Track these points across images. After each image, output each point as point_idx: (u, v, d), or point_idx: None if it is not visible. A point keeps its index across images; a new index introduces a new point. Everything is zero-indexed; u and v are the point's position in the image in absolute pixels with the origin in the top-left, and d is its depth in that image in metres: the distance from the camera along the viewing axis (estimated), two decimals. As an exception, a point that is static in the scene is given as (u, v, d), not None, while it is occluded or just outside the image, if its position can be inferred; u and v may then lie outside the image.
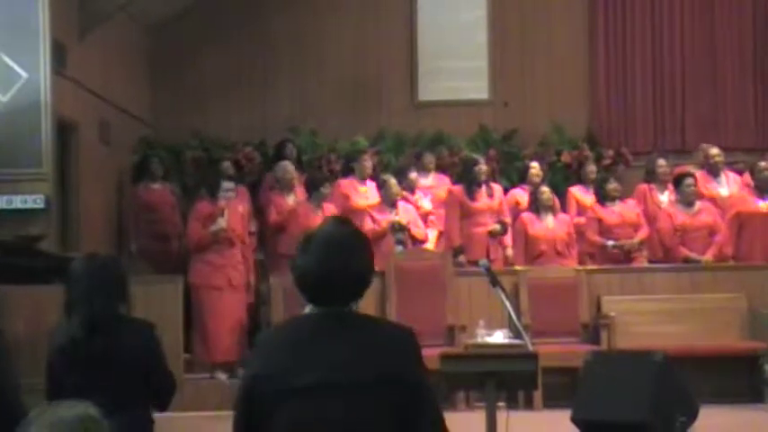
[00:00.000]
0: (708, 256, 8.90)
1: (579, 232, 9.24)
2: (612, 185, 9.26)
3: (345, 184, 9.64)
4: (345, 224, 2.63)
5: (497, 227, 9.15)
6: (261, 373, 2.52)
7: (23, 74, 8.24)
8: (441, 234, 9.35)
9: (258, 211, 9.59)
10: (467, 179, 9.26)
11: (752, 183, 9.33)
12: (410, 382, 2.49)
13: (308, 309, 2.57)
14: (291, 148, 10.10)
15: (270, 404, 2.48)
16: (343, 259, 2.53)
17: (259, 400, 2.50)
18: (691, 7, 11.48)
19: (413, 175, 9.71)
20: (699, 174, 9.43)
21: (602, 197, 9.21)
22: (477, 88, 11.48)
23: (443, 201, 9.46)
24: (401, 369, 2.49)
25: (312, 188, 9.05)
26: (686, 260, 8.89)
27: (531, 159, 10.32)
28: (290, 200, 9.23)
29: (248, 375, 2.57)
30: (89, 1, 9.40)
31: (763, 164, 9.26)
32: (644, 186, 9.80)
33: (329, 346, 2.48)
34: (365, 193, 9.49)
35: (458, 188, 9.31)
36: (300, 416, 2.46)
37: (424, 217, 9.40)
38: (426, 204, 9.54)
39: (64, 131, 9.04)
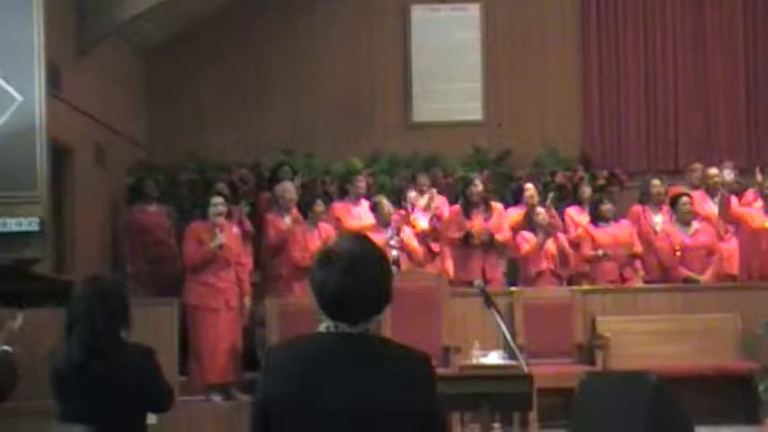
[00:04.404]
0: (707, 276, 8.92)
1: (574, 245, 9.28)
2: (606, 206, 9.32)
3: (339, 206, 9.66)
4: (364, 240, 2.59)
5: (485, 235, 9.05)
6: (280, 392, 2.49)
7: (18, 97, 8.22)
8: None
9: (257, 232, 9.58)
10: (463, 199, 9.29)
11: (758, 201, 9.33)
12: (426, 414, 2.51)
13: (323, 325, 2.54)
14: (287, 171, 10.12)
15: (289, 426, 2.46)
16: (365, 276, 2.50)
17: (278, 420, 2.48)
18: (682, 29, 11.56)
19: (412, 194, 9.75)
20: (694, 194, 9.47)
21: (596, 218, 9.27)
22: (471, 109, 11.51)
23: (443, 218, 9.53)
24: (418, 400, 2.50)
25: (305, 208, 9.06)
26: (686, 280, 8.89)
27: (526, 181, 10.34)
28: (287, 221, 9.23)
29: (265, 394, 2.52)
30: (85, 24, 9.43)
31: None
32: (638, 208, 9.82)
33: (351, 371, 2.47)
34: (358, 215, 9.51)
35: (456, 207, 9.36)
36: None
37: (422, 236, 9.43)
38: (423, 223, 9.56)
39: (59, 154, 9.04)
